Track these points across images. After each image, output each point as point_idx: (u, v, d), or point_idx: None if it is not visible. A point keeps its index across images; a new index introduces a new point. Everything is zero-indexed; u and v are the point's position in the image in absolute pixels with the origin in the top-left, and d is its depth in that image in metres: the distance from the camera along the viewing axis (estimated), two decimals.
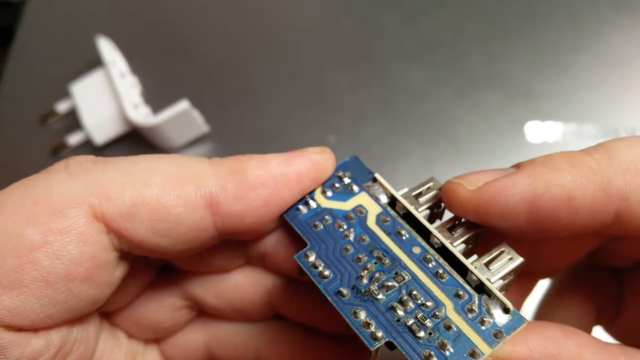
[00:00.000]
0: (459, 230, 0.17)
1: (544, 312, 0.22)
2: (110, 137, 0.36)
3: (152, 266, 0.19)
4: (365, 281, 0.16)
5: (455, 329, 0.15)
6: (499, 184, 0.15)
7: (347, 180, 0.18)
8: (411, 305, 0.15)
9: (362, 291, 0.16)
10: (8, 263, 0.14)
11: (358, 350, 0.20)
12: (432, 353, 0.14)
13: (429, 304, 0.15)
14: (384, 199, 0.18)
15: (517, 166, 0.16)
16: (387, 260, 0.16)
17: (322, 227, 0.17)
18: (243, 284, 0.19)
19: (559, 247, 0.19)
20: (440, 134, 0.36)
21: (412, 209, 0.17)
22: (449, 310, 0.15)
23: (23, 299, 0.14)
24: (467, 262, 0.16)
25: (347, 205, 0.18)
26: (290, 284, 0.19)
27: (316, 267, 0.16)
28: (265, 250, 0.18)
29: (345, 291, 0.16)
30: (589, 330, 0.21)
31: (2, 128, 0.39)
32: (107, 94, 0.36)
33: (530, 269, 0.18)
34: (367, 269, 0.16)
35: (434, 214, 0.18)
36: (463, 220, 0.17)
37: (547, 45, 0.39)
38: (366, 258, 0.16)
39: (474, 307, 0.15)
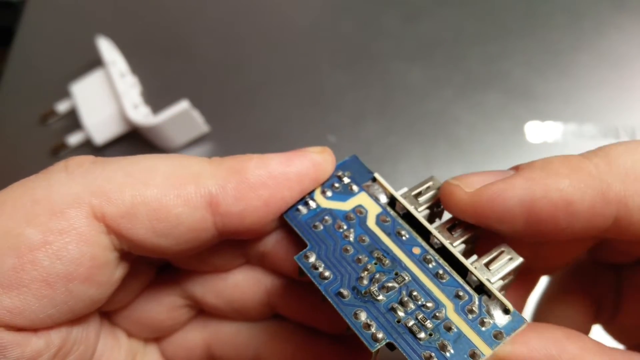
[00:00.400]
0: (459, 230, 0.17)
1: (542, 310, 0.22)
2: (110, 137, 0.36)
3: (151, 265, 0.19)
4: (365, 282, 0.16)
5: (455, 330, 0.15)
6: (497, 187, 0.15)
7: (346, 180, 0.18)
8: (411, 306, 0.15)
9: (363, 292, 0.16)
10: (8, 263, 0.14)
11: (358, 350, 0.20)
12: (433, 354, 0.14)
13: (429, 304, 0.15)
14: (383, 199, 0.18)
15: (516, 168, 0.16)
16: (387, 261, 0.16)
17: (322, 227, 0.17)
18: (242, 284, 0.19)
19: (559, 245, 0.19)
20: (440, 134, 0.36)
21: (411, 209, 0.17)
22: (449, 311, 0.15)
23: (23, 299, 0.14)
24: (467, 262, 0.16)
25: (346, 206, 0.18)
26: (290, 284, 0.19)
27: (316, 268, 0.16)
28: (264, 250, 0.18)
29: (345, 292, 0.16)
30: (588, 328, 0.21)
31: (2, 128, 0.39)
32: (107, 94, 0.36)
33: (531, 266, 0.17)
34: (367, 269, 0.16)
35: (434, 213, 0.18)
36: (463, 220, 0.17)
37: (547, 45, 0.39)
38: (366, 259, 0.16)
39: (474, 308, 0.15)
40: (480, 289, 0.16)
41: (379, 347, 0.15)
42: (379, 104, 0.37)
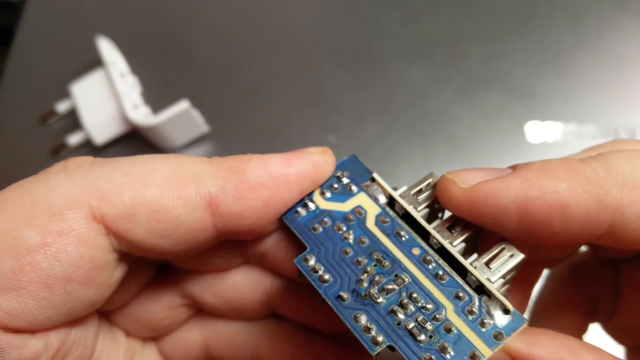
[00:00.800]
0: (459, 229, 0.17)
1: (539, 309, 0.21)
2: (110, 137, 0.36)
3: (150, 265, 0.19)
4: (365, 285, 0.16)
5: (455, 331, 0.15)
6: (492, 185, 0.15)
7: (345, 181, 0.18)
8: (411, 308, 0.15)
9: (363, 295, 0.16)
10: (6, 264, 0.14)
11: (357, 350, 0.20)
12: (433, 357, 0.14)
13: (429, 306, 0.15)
14: (382, 199, 0.18)
15: (514, 168, 0.16)
16: (386, 263, 0.16)
17: (321, 229, 0.17)
18: (241, 284, 0.19)
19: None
20: (440, 134, 0.36)
21: (410, 209, 0.17)
22: (450, 312, 0.15)
23: (21, 301, 0.14)
24: (466, 262, 0.16)
25: (346, 207, 0.18)
26: (289, 284, 0.19)
27: (316, 271, 0.16)
28: (264, 251, 0.18)
29: (345, 295, 0.16)
30: (585, 327, 0.21)
31: (2, 128, 0.39)
32: (107, 94, 0.36)
33: (533, 259, 0.17)
34: (367, 272, 0.16)
35: (435, 209, 0.18)
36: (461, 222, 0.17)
37: (547, 45, 0.39)
38: (366, 261, 0.16)
39: (474, 309, 0.15)
40: (480, 289, 0.16)
41: (379, 350, 0.15)
42: (379, 104, 0.37)
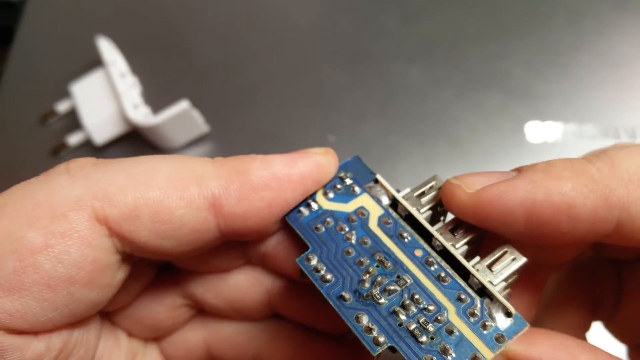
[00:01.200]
0: (462, 231, 0.17)
1: (542, 307, 0.21)
2: (110, 137, 0.36)
3: (152, 266, 0.19)
4: (367, 285, 0.16)
5: (457, 333, 0.15)
6: (498, 188, 0.15)
7: (348, 181, 0.18)
8: (413, 309, 0.15)
9: (364, 295, 0.15)
10: (9, 266, 0.14)
11: (358, 350, 0.20)
12: (435, 358, 0.14)
13: (431, 308, 0.15)
14: (385, 201, 0.18)
15: (518, 170, 0.16)
16: (389, 264, 0.16)
17: (323, 229, 0.17)
18: (243, 284, 0.19)
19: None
20: (440, 134, 0.36)
21: (413, 210, 0.17)
22: (451, 314, 0.15)
23: (24, 302, 0.14)
24: (469, 265, 0.16)
25: (348, 207, 0.18)
26: (290, 285, 0.19)
27: (318, 271, 0.16)
28: (265, 251, 0.18)
29: (347, 295, 0.15)
30: (588, 325, 0.21)
31: (2, 128, 0.39)
32: (107, 94, 0.36)
33: (537, 263, 0.17)
34: (369, 272, 0.16)
35: (437, 213, 0.18)
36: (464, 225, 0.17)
37: (547, 45, 0.39)
38: (368, 261, 0.16)
39: (476, 311, 0.15)
40: (482, 291, 0.15)
41: (380, 351, 0.15)
42: (379, 104, 0.37)
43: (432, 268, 0.16)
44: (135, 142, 0.36)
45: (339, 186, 0.18)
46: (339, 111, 0.37)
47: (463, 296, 0.15)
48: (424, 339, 0.15)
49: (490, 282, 0.15)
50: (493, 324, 0.15)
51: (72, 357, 0.16)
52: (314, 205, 0.17)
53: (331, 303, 0.15)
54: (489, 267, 0.16)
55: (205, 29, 0.42)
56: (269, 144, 0.36)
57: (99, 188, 0.15)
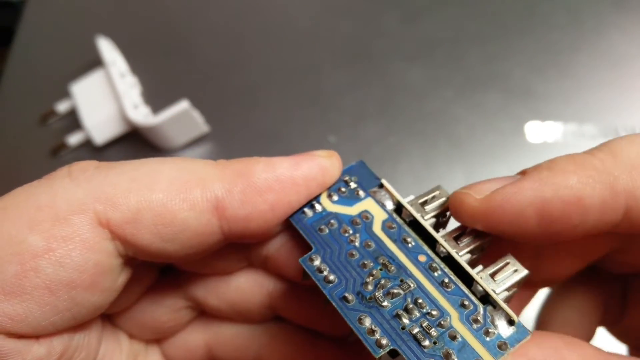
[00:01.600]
0: (465, 240, 0.17)
1: (547, 311, 0.22)
2: (110, 137, 0.36)
3: (154, 268, 0.19)
4: (370, 287, 0.16)
5: (460, 339, 0.15)
6: (507, 191, 0.15)
7: (353, 185, 0.18)
8: (416, 313, 0.15)
9: (367, 297, 0.15)
10: (10, 270, 0.14)
11: (359, 354, 0.20)
12: None
13: (434, 312, 0.15)
14: (390, 205, 0.18)
15: (523, 173, 0.16)
16: (392, 267, 0.16)
17: (327, 231, 0.17)
18: (244, 286, 0.19)
19: (562, 257, 0.19)
20: (440, 134, 0.36)
21: (418, 216, 0.17)
22: (454, 320, 0.15)
23: (25, 307, 0.14)
24: (473, 272, 0.16)
25: (353, 210, 0.17)
26: (292, 287, 0.19)
27: (321, 272, 0.16)
28: (267, 254, 0.18)
29: (350, 297, 0.15)
30: (593, 330, 0.21)
31: (2, 128, 0.39)
32: (107, 94, 0.36)
33: (531, 278, 0.18)
34: (372, 275, 0.16)
35: (439, 222, 0.18)
36: (469, 229, 0.17)
37: (547, 45, 0.39)
38: (372, 264, 0.16)
39: (479, 318, 0.15)
40: (486, 299, 0.15)
41: (382, 353, 0.14)
42: (379, 104, 0.37)
43: (436, 274, 0.16)
44: (135, 142, 0.36)
45: (343, 189, 0.18)
46: (339, 111, 0.37)
47: (466, 302, 0.15)
48: (426, 343, 0.15)
49: (494, 291, 0.15)
50: (496, 331, 0.15)
51: None
52: (318, 207, 0.17)
53: (334, 304, 0.15)
54: (492, 276, 0.16)
55: (205, 29, 0.42)
56: (269, 144, 0.36)
57: (101, 191, 0.15)
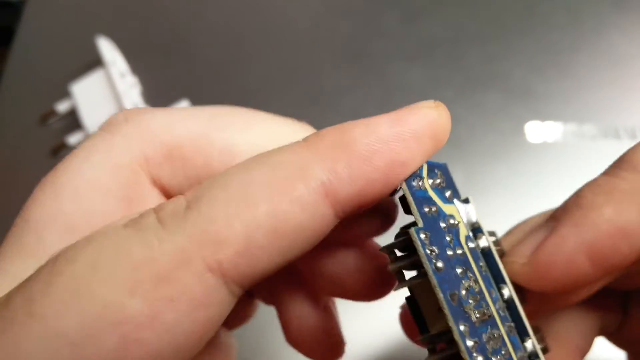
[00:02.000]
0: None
1: (547, 321, 0.21)
2: None
3: None
4: (467, 296, 0.14)
5: None
6: (549, 247, 0.15)
7: (442, 183, 0.16)
8: (498, 345, 0.14)
9: (465, 307, 0.14)
10: (111, 342, 0.12)
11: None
12: None
13: (504, 351, 0.14)
14: (468, 224, 0.16)
15: (552, 218, 0.15)
16: (477, 288, 0.14)
17: (431, 215, 0.15)
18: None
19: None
20: None
21: (495, 253, 0.16)
22: None
23: None
24: (530, 330, 0.15)
25: (446, 208, 0.15)
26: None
27: (432, 252, 0.14)
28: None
29: (455, 296, 0.13)
30: (591, 340, 0.20)
31: (2, 128, 0.39)
32: (107, 94, 0.36)
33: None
34: (468, 284, 0.14)
35: None
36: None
37: (547, 45, 0.39)
38: (465, 273, 0.14)
39: None
40: (532, 358, 0.15)
41: None
42: (379, 104, 0.37)
43: (502, 314, 0.15)
44: None
45: (438, 181, 0.15)
46: (339, 111, 0.37)
47: (521, 355, 0.15)
48: None
49: (543, 350, 0.15)
50: None
51: None
52: (422, 185, 0.15)
53: (441, 298, 0.13)
54: (535, 333, 0.15)
55: (205, 29, 0.42)
56: None
57: (201, 232, 0.12)
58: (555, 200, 0.17)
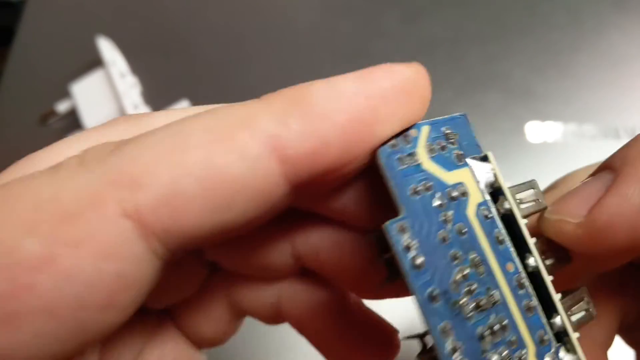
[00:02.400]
0: (548, 253, 0.14)
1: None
2: None
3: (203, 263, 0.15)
4: (458, 289, 0.12)
5: None
6: (609, 205, 0.13)
7: (454, 145, 0.14)
8: (499, 338, 0.13)
9: (453, 302, 0.12)
10: None
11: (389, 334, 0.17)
12: None
13: (513, 339, 0.13)
14: (486, 187, 0.14)
15: (603, 168, 0.14)
16: (482, 270, 0.13)
17: (421, 196, 0.12)
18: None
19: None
20: None
21: (519, 215, 0.13)
22: (530, 355, 0.13)
23: (15, 339, 0.10)
24: (559, 304, 0.13)
25: (449, 177, 0.13)
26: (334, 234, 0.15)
27: (408, 249, 0.12)
28: (340, 206, 0.14)
29: (437, 295, 0.12)
30: (612, 336, 0.20)
31: (2, 128, 0.39)
32: (107, 94, 0.36)
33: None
34: (462, 274, 0.12)
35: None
36: (545, 240, 0.14)
37: (547, 45, 0.39)
38: (463, 258, 0.12)
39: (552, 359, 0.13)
40: (561, 336, 0.13)
41: None
42: None
43: (521, 292, 0.13)
44: None
45: (444, 145, 0.13)
46: None
47: (545, 337, 0.13)
48: None
49: (577, 333, 0.13)
50: None
51: None
52: (414, 159, 0.13)
53: (417, 300, 0.12)
54: (569, 308, 0.13)
55: (205, 29, 0.42)
56: None
57: (120, 172, 0.11)
58: None
